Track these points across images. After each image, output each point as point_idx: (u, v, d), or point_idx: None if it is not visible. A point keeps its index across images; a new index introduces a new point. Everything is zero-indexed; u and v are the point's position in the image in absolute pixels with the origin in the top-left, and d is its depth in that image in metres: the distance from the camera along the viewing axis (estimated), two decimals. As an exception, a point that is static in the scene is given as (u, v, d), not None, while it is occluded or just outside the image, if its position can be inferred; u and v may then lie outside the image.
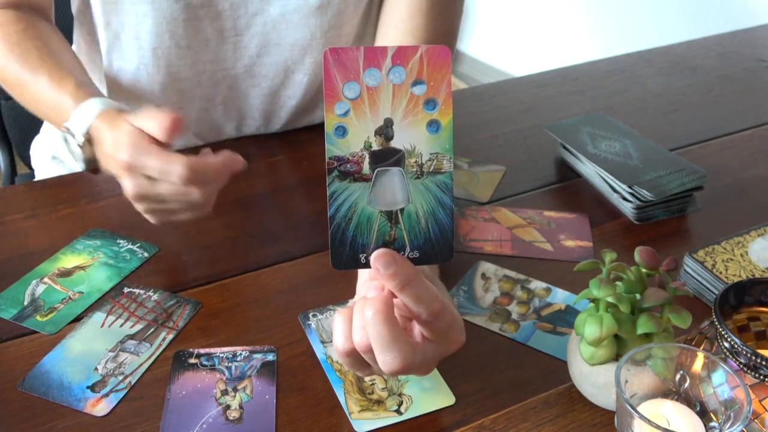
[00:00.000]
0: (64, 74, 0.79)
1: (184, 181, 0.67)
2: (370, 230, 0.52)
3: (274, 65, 0.94)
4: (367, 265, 0.53)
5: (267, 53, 0.92)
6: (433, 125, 0.52)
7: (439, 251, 0.53)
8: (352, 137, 0.51)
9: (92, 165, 0.77)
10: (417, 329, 0.56)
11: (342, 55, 0.50)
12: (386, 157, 0.52)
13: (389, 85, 0.50)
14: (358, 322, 0.53)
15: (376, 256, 0.51)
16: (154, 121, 0.68)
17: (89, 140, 0.75)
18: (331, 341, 0.68)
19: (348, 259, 0.53)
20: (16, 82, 0.82)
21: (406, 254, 0.53)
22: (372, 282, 0.54)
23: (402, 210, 0.52)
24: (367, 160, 0.51)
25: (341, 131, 0.51)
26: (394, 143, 0.51)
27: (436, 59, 0.50)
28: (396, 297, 0.53)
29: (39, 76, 0.80)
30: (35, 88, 0.80)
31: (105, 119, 0.73)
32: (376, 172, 0.52)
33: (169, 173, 0.67)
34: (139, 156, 0.68)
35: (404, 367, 0.53)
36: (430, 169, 0.52)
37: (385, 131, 0.51)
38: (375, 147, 0.51)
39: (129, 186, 0.69)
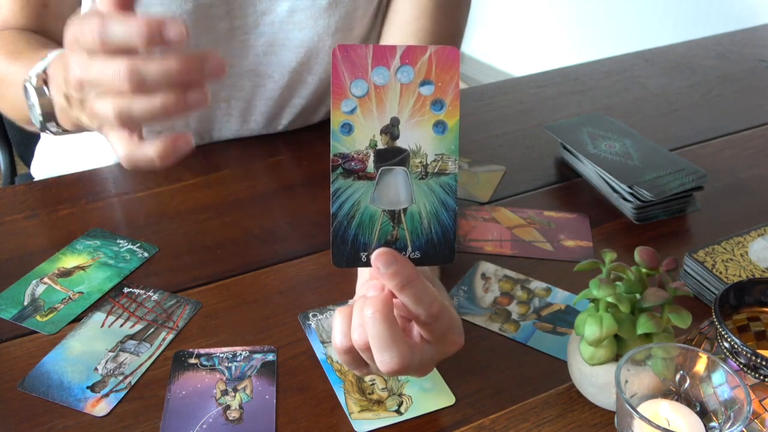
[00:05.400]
0: (42, 48, 0.72)
1: (146, 39, 0.49)
2: (372, 229, 0.52)
3: (280, 66, 0.93)
4: (367, 264, 0.53)
5: (273, 53, 0.92)
6: (440, 126, 0.51)
7: (440, 252, 0.53)
8: (357, 135, 0.51)
9: (50, 113, 0.68)
10: (416, 330, 0.56)
11: (351, 53, 0.49)
12: (391, 156, 0.51)
13: (397, 84, 0.50)
14: (357, 321, 0.54)
15: (377, 255, 0.51)
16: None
17: (45, 81, 0.66)
18: (331, 341, 0.68)
19: (349, 257, 0.53)
20: None
21: (408, 254, 0.53)
22: (372, 281, 0.54)
23: (405, 210, 0.52)
24: (371, 158, 0.51)
25: (347, 128, 0.51)
26: (400, 143, 0.51)
27: (444, 60, 0.50)
28: (396, 297, 0.53)
29: (17, 61, 0.73)
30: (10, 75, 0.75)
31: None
32: (380, 170, 0.52)
33: (126, 30, 0.49)
34: (85, 22, 0.51)
35: (402, 367, 0.53)
36: (435, 170, 0.52)
37: (391, 130, 0.51)
38: (380, 146, 0.51)
39: (73, 63, 0.54)
